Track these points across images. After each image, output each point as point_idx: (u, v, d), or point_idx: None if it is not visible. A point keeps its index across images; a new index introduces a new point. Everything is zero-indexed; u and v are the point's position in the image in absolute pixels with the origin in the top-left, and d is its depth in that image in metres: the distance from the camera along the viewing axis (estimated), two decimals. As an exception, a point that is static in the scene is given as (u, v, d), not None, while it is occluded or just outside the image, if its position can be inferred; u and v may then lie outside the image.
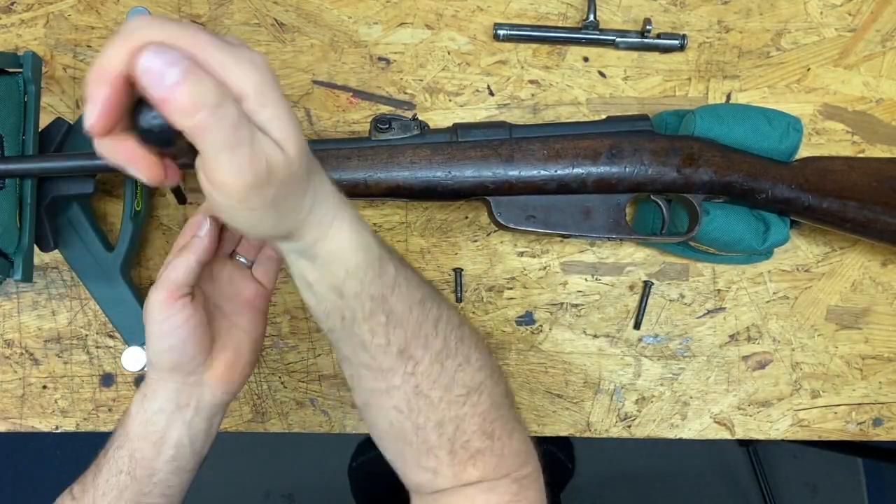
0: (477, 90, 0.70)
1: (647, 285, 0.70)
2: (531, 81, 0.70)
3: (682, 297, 0.71)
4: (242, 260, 0.56)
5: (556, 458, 1.54)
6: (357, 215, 0.44)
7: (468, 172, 0.61)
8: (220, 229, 0.52)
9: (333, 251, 0.42)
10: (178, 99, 0.32)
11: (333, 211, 0.42)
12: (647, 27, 0.69)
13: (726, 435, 0.71)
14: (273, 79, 0.36)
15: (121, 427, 0.52)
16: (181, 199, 0.68)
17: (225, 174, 0.35)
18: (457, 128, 0.63)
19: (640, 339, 0.70)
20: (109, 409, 0.69)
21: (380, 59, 0.70)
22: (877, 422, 0.71)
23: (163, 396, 0.51)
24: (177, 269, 0.49)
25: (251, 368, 0.56)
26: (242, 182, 0.35)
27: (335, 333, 0.46)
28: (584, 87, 0.71)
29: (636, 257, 0.70)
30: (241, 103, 0.35)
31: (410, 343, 0.45)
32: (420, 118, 0.69)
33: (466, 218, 0.70)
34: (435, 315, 0.46)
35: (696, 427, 0.71)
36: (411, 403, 0.46)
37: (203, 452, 0.54)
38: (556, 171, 0.61)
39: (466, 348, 0.47)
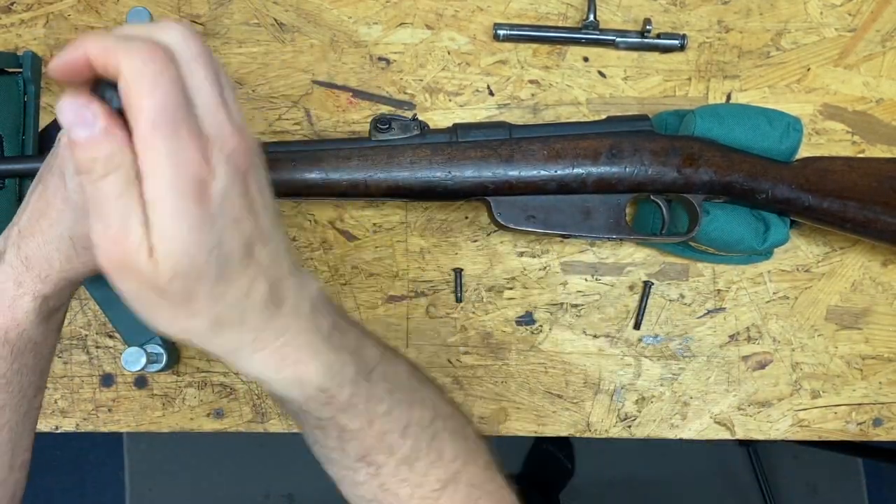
0: (477, 90, 0.70)
1: (647, 285, 0.70)
2: (531, 81, 0.70)
3: (682, 297, 0.71)
4: None
5: (556, 458, 1.54)
6: (304, 338, 0.37)
7: (468, 172, 0.61)
8: None
9: (257, 380, 0.38)
10: (75, 151, 0.30)
11: (252, 343, 0.36)
12: (647, 27, 0.69)
13: (726, 435, 0.71)
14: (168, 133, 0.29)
15: None
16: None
17: (94, 235, 0.31)
18: (457, 128, 0.63)
19: (640, 340, 0.70)
20: (109, 410, 0.69)
21: (380, 59, 0.70)
22: (877, 422, 0.71)
23: None
24: None
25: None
26: (103, 258, 0.31)
27: (299, 427, 0.42)
28: (584, 87, 0.71)
29: (636, 257, 0.70)
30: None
31: (370, 452, 0.41)
32: (420, 118, 0.69)
33: (466, 218, 0.70)
34: (404, 422, 0.41)
35: (696, 427, 0.71)
36: (379, 497, 0.43)
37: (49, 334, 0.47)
38: (556, 172, 0.61)
39: (440, 444, 0.43)
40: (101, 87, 0.31)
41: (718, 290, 0.71)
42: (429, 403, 0.44)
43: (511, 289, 0.70)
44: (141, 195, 0.30)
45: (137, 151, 0.30)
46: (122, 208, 0.30)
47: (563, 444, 1.56)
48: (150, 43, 0.30)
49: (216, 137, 0.31)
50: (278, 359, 0.36)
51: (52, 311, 0.44)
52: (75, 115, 0.29)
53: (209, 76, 0.32)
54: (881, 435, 0.72)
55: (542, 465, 1.55)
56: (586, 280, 0.70)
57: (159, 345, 0.64)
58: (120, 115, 0.30)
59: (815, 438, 0.71)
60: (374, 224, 0.70)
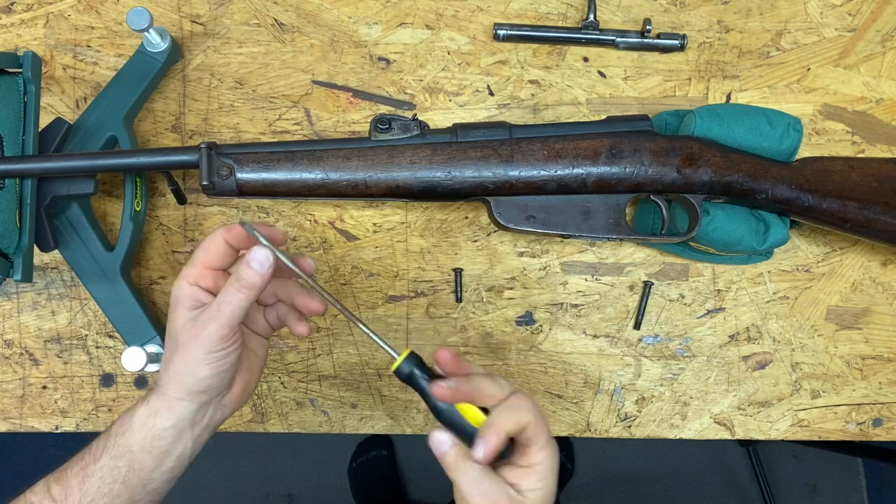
0: (477, 90, 0.70)
1: (647, 285, 0.70)
2: (531, 81, 0.71)
3: (682, 297, 0.71)
4: None
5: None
6: None
7: (468, 172, 0.61)
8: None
9: None
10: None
11: None
12: (647, 27, 0.69)
13: (726, 435, 0.71)
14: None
15: (119, 437, 0.51)
16: (181, 200, 0.68)
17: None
18: (457, 128, 0.63)
19: (640, 340, 0.70)
20: (109, 410, 0.69)
21: (380, 59, 0.70)
22: (877, 422, 0.71)
23: (178, 415, 0.51)
24: (237, 304, 0.50)
25: (255, 388, 0.58)
26: None
27: None
28: (584, 87, 0.71)
29: (636, 257, 0.70)
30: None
31: None
32: (420, 118, 0.69)
33: (466, 218, 0.70)
34: None
35: (696, 427, 0.71)
36: None
37: (194, 460, 0.55)
38: (555, 172, 0.61)
39: None
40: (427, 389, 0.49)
41: (718, 290, 0.71)
42: None
43: (511, 289, 0.70)
44: (490, 471, 0.49)
45: (532, 453, 0.49)
46: (492, 481, 0.49)
47: (563, 445, 1.56)
48: (524, 400, 0.50)
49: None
50: None
51: (168, 426, 0.52)
52: (438, 439, 0.50)
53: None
54: (881, 435, 0.72)
55: None
56: (586, 280, 0.70)
57: (159, 345, 0.64)
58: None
59: (815, 438, 0.71)
60: (374, 224, 0.70)
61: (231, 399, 0.54)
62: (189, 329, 0.50)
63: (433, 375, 0.50)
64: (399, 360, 0.50)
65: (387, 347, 0.50)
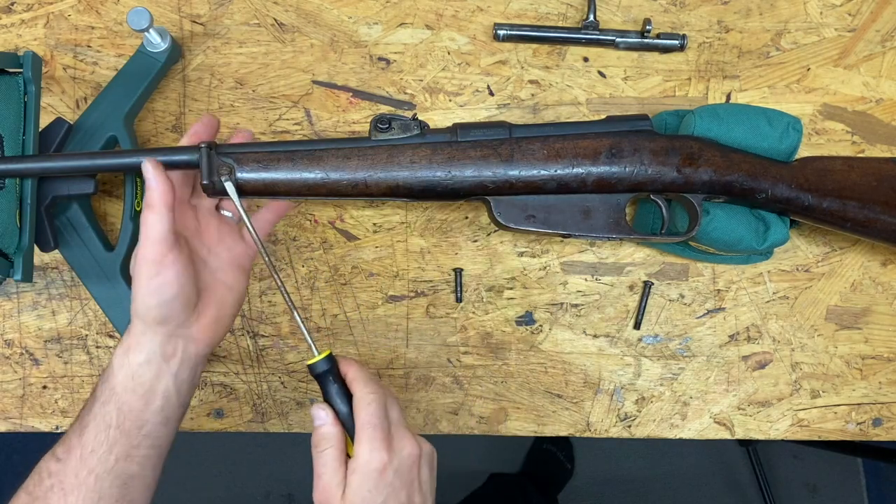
0: (477, 90, 0.70)
1: (647, 285, 0.70)
2: (531, 81, 0.71)
3: (682, 297, 0.71)
4: (227, 214, 0.60)
5: (556, 457, 1.54)
6: None
7: (468, 172, 0.61)
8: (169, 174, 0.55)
9: None
10: (315, 432, 0.54)
11: None
12: (647, 27, 0.69)
13: (726, 435, 0.71)
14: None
15: (104, 383, 0.52)
16: (181, 199, 0.68)
17: (315, 484, 0.52)
18: (457, 128, 0.63)
19: (640, 339, 0.70)
20: (109, 409, 0.69)
21: (380, 59, 0.70)
22: (876, 422, 0.71)
23: (148, 348, 0.52)
24: (151, 224, 0.51)
25: (232, 323, 0.58)
26: (316, 497, 0.52)
27: None
28: (584, 87, 0.71)
29: (636, 257, 0.70)
30: None
31: None
32: (420, 118, 0.69)
33: (466, 218, 0.70)
34: None
35: (696, 427, 0.71)
36: None
37: (187, 403, 0.56)
38: (555, 171, 0.61)
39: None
40: (336, 391, 0.54)
41: (718, 290, 0.71)
42: None
43: (511, 289, 0.70)
44: (344, 463, 0.51)
45: (355, 440, 0.51)
46: (332, 469, 0.51)
47: (562, 444, 1.56)
48: (376, 384, 0.53)
49: (397, 442, 0.52)
50: None
51: (146, 361, 0.53)
52: (317, 413, 0.53)
53: (400, 413, 0.54)
54: (881, 435, 0.72)
55: (542, 464, 1.55)
56: (586, 280, 0.70)
57: (159, 345, 0.64)
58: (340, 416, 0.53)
59: (815, 438, 0.71)
60: (374, 224, 0.70)
61: (200, 331, 0.54)
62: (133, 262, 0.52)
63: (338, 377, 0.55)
64: (317, 358, 0.54)
65: (310, 341, 0.55)
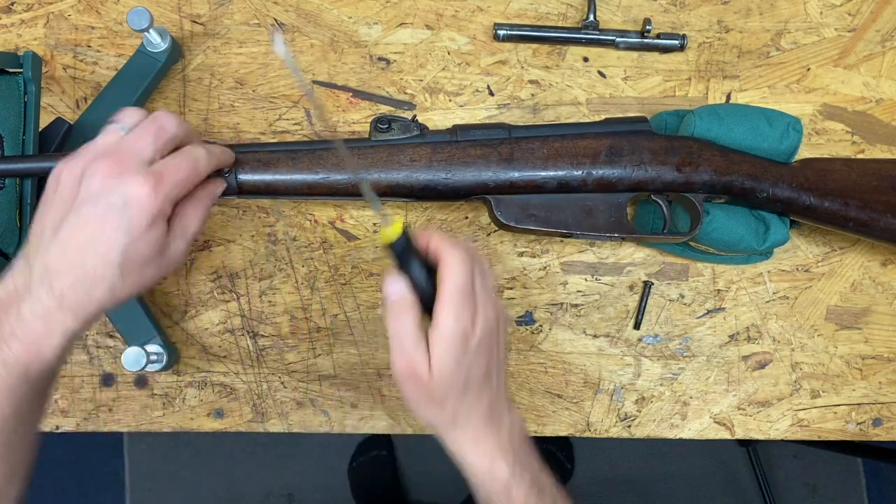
0: (477, 90, 0.70)
1: (647, 285, 0.70)
2: (531, 81, 0.71)
3: (682, 297, 0.71)
4: None
5: (556, 458, 1.54)
6: (502, 444, 0.52)
7: (468, 171, 0.61)
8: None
9: (464, 464, 0.52)
10: (387, 302, 0.49)
11: (471, 437, 0.51)
12: (647, 27, 0.69)
13: (726, 435, 0.71)
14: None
15: None
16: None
17: (394, 355, 0.49)
18: (456, 129, 0.63)
19: (639, 339, 0.70)
20: (109, 409, 0.69)
21: (380, 59, 0.70)
22: (876, 422, 0.71)
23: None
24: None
25: None
26: (399, 369, 0.49)
27: None
28: (584, 87, 0.71)
29: (636, 257, 0.70)
30: None
31: None
32: (419, 119, 0.69)
33: (466, 218, 0.70)
34: None
35: (696, 427, 0.71)
36: None
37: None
38: (555, 170, 0.61)
39: None
40: (408, 262, 0.49)
41: (718, 290, 0.71)
42: None
43: (511, 289, 0.70)
44: (424, 332, 0.48)
45: (435, 308, 0.48)
46: (415, 339, 0.48)
47: (562, 444, 1.56)
48: (465, 248, 0.49)
49: (481, 308, 0.49)
50: (482, 454, 0.51)
51: (74, 342, 0.48)
52: (394, 284, 0.49)
53: (488, 276, 0.51)
54: (881, 435, 0.72)
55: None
56: (586, 280, 0.70)
57: (159, 344, 0.64)
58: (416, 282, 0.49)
59: (815, 438, 0.71)
60: (375, 224, 0.70)
61: None
62: (160, 263, 0.49)
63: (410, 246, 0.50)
64: (394, 234, 0.48)
65: (374, 203, 0.49)
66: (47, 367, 0.45)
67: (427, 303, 0.49)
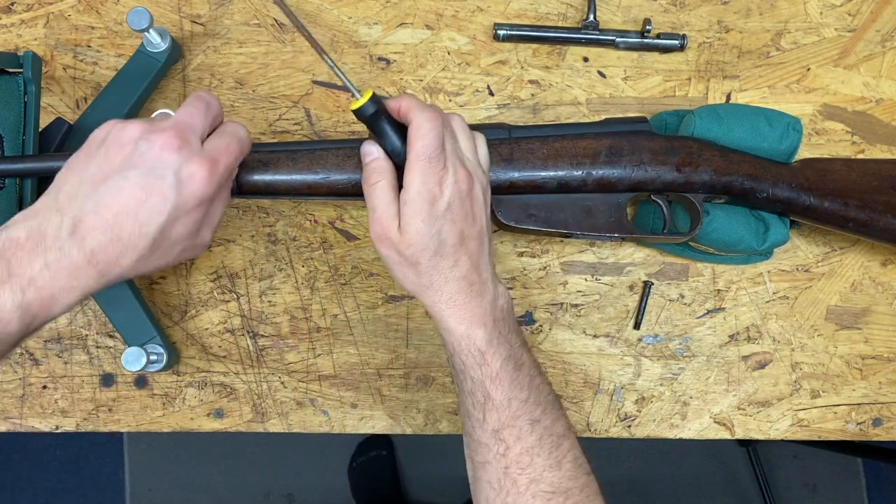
0: (477, 90, 0.70)
1: (647, 285, 0.70)
2: (531, 81, 0.71)
3: (682, 297, 0.71)
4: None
5: (501, 290, 1.53)
6: (481, 313, 0.52)
7: (468, 172, 0.61)
8: None
9: (442, 329, 0.53)
10: (365, 166, 0.52)
11: (447, 301, 0.52)
12: (647, 27, 0.69)
13: (726, 435, 0.71)
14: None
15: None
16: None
17: (371, 217, 0.51)
18: (457, 128, 0.63)
19: (639, 339, 0.70)
20: (109, 409, 0.69)
21: (380, 59, 0.70)
22: (876, 422, 0.71)
23: None
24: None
25: None
26: (374, 230, 0.51)
27: (458, 395, 0.55)
28: (584, 87, 0.71)
29: (636, 257, 0.70)
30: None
31: (503, 428, 0.51)
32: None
33: (466, 218, 0.70)
34: (535, 416, 0.52)
35: (696, 427, 0.71)
36: (502, 482, 0.51)
37: None
38: (555, 171, 0.61)
39: (559, 455, 0.52)
40: (381, 129, 0.51)
41: (718, 290, 0.71)
42: (561, 424, 0.54)
43: (511, 289, 0.70)
44: (397, 196, 0.50)
45: (405, 171, 0.49)
46: (386, 201, 0.50)
47: None
48: (436, 111, 0.50)
49: (451, 171, 0.50)
50: (459, 319, 0.52)
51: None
52: (368, 149, 0.52)
53: (463, 140, 0.53)
54: (881, 435, 0.72)
55: None
56: (586, 280, 0.70)
57: (159, 344, 0.64)
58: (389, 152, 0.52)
59: (815, 438, 0.71)
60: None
61: None
62: (188, 246, 0.50)
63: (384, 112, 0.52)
64: (363, 100, 0.51)
65: (350, 85, 0.51)
66: (45, 322, 0.44)
67: (401, 164, 0.51)
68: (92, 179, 0.44)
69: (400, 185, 0.51)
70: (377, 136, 0.52)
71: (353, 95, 0.51)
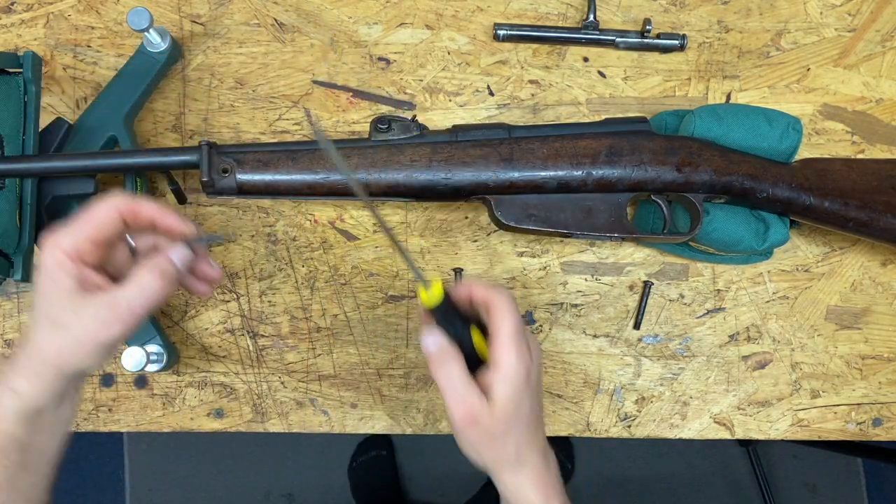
0: (477, 90, 0.70)
1: (647, 285, 0.70)
2: (531, 81, 0.71)
3: (682, 297, 0.71)
4: (131, 242, 0.53)
5: (555, 458, 1.53)
6: (553, 482, 0.53)
7: (468, 171, 0.61)
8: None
9: (517, 502, 0.53)
10: (431, 356, 0.51)
11: (531, 472, 0.52)
12: (647, 27, 0.69)
13: (726, 435, 0.71)
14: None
15: None
16: (181, 199, 0.68)
17: (450, 402, 0.50)
18: (456, 129, 0.63)
19: (639, 339, 0.70)
20: (109, 409, 0.69)
21: (380, 59, 0.70)
22: (876, 422, 0.71)
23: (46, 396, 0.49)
24: (148, 307, 0.48)
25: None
26: (458, 417, 0.49)
27: None
28: (584, 87, 0.71)
29: (636, 257, 0.70)
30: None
31: None
32: (419, 119, 0.69)
33: (466, 218, 0.70)
34: None
35: (696, 427, 0.71)
36: None
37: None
38: (555, 171, 0.61)
39: None
40: (448, 318, 0.51)
41: (718, 290, 0.71)
42: None
43: (511, 289, 0.70)
44: (471, 376, 0.50)
45: (494, 350, 0.49)
46: (465, 383, 0.49)
47: (562, 444, 1.56)
48: (503, 291, 0.51)
49: (532, 346, 0.51)
50: (542, 489, 0.52)
51: (38, 411, 0.47)
52: (431, 339, 0.50)
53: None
54: (881, 435, 0.72)
55: None
56: (586, 280, 0.70)
57: (159, 344, 0.64)
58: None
59: (815, 438, 0.71)
60: (375, 224, 0.70)
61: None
62: (77, 315, 0.45)
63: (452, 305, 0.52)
64: (436, 296, 0.50)
65: (420, 276, 0.50)
66: (7, 433, 0.46)
67: (468, 351, 0.51)
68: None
69: (469, 366, 0.50)
70: (444, 324, 0.51)
71: (424, 288, 0.50)
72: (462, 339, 0.51)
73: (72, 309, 0.45)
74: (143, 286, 0.47)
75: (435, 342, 0.50)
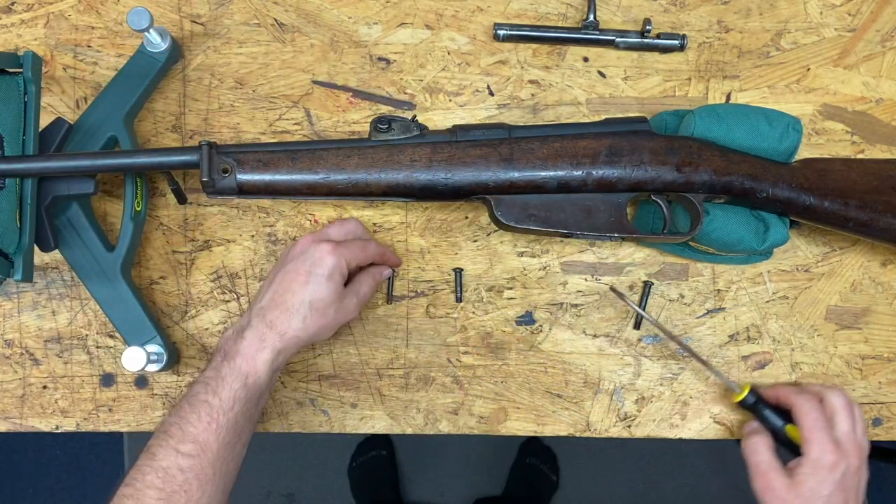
0: (477, 90, 0.70)
1: (647, 285, 0.70)
2: (531, 81, 0.71)
3: (682, 297, 0.71)
4: None
5: (540, 471, 1.52)
6: None
7: (468, 171, 0.61)
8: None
9: None
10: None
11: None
12: (647, 27, 0.69)
13: (726, 435, 0.71)
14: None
15: (228, 361, 0.58)
16: (181, 200, 0.68)
17: (750, 473, 0.64)
18: (456, 129, 0.63)
19: (639, 339, 0.71)
20: (109, 409, 0.69)
21: (380, 59, 0.70)
22: (876, 422, 0.71)
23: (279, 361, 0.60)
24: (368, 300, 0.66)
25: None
26: (760, 488, 0.63)
27: None
28: (584, 87, 0.71)
29: (636, 257, 0.70)
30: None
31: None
32: (419, 119, 0.69)
33: (466, 218, 0.70)
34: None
35: (696, 427, 0.71)
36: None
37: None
38: (555, 171, 0.61)
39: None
40: (764, 409, 0.66)
41: (718, 290, 0.71)
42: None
43: (511, 289, 0.70)
44: (779, 460, 0.63)
45: (805, 442, 0.61)
46: (768, 456, 0.63)
47: (546, 457, 1.55)
48: (808, 394, 0.64)
49: (848, 453, 0.61)
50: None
51: (278, 366, 0.59)
52: (748, 427, 0.67)
53: (847, 414, 0.63)
54: (881, 435, 0.72)
55: (527, 482, 1.52)
56: (586, 280, 0.70)
57: (160, 345, 0.64)
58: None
59: (815, 438, 0.71)
60: (374, 224, 0.70)
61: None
62: (338, 308, 0.60)
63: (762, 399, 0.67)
64: (743, 394, 0.66)
65: (729, 382, 0.67)
66: (259, 378, 0.57)
67: (782, 439, 0.64)
68: (268, 281, 0.61)
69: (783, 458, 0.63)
70: (759, 418, 0.66)
71: (734, 390, 0.67)
72: (775, 427, 0.65)
73: (338, 301, 0.60)
74: (371, 286, 0.64)
75: (749, 424, 0.67)
